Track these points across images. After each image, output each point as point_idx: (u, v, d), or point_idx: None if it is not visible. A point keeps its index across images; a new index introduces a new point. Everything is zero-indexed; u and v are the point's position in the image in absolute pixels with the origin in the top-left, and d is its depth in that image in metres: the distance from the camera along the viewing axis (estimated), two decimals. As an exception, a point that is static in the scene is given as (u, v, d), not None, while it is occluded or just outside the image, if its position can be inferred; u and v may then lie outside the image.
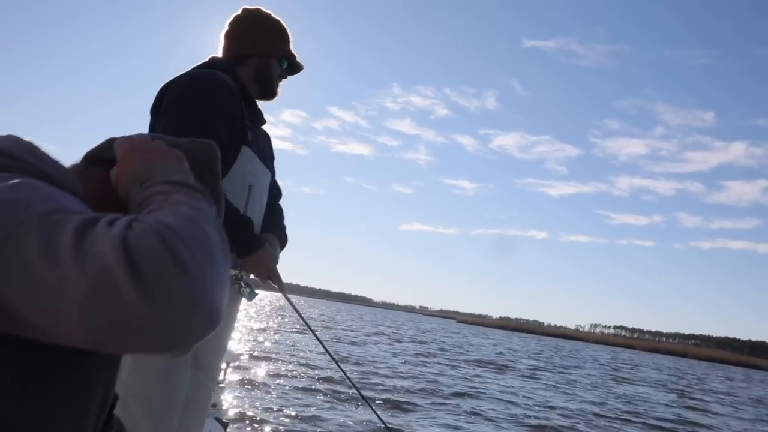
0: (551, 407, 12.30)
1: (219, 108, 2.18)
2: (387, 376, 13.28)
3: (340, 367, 2.78)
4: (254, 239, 2.25)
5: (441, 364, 18.56)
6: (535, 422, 10.29)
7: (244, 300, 2.43)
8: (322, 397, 9.95)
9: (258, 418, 7.35)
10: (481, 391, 13.31)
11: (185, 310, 0.71)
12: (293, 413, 8.20)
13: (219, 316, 0.76)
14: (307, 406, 8.99)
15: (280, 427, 7.22)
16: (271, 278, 2.35)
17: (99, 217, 0.78)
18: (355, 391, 10.76)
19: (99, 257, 0.70)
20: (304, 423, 7.65)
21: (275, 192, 2.58)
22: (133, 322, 0.69)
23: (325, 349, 2.81)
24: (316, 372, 12.72)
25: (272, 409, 8.22)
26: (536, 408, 11.91)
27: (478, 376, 16.40)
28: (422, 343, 29.55)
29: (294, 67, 2.49)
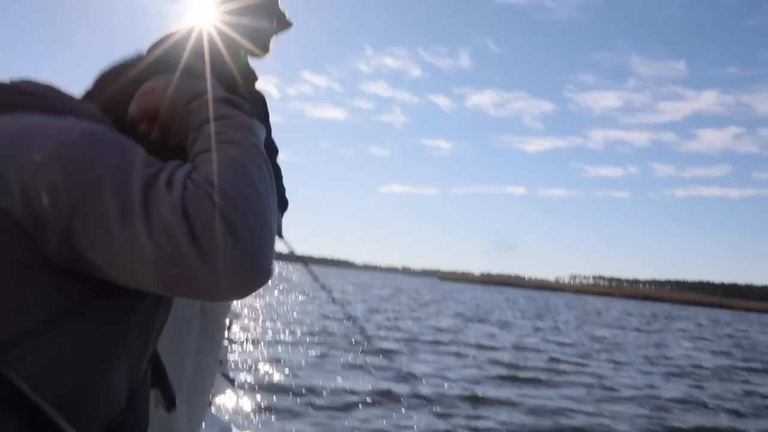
0: (522, 349, 13.16)
1: None
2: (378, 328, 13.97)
3: (348, 312, 2.96)
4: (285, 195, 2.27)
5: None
6: (509, 362, 11.19)
7: None
8: (321, 350, 10.51)
9: (262, 373, 7.62)
10: (460, 337, 14.07)
11: (241, 270, 0.78)
12: (295, 367, 8.51)
13: (269, 269, 0.82)
14: (308, 360, 9.38)
15: (284, 381, 7.43)
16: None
17: (159, 172, 0.83)
18: (355, 343, 11.49)
19: (163, 222, 0.77)
20: (306, 376, 7.91)
21: (271, 150, 2.54)
22: (198, 282, 0.78)
23: (332, 299, 2.95)
24: (316, 328, 13.41)
25: (276, 364, 8.48)
26: (512, 351, 12.80)
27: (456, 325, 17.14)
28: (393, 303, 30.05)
29: (283, 24, 2.47)
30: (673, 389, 9.67)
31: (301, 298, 24.43)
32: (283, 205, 2.56)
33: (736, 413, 8.25)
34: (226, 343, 4.47)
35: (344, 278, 77.09)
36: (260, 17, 2.33)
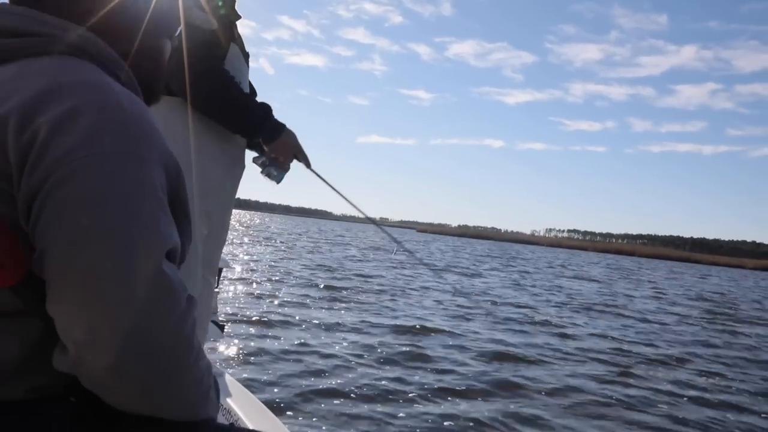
0: (494, 296, 14.07)
1: None
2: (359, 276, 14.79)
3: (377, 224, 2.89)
4: (278, 123, 2.23)
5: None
6: (458, 304, 11.78)
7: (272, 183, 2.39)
8: (315, 294, 10.85)
9: (253, 320, 7.78)
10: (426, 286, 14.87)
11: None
12: (286, 312, 8.72)
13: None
14: (299, 304, 9.72)
15: (273, 324, 7.67)
16: (297, 157, 2.34)
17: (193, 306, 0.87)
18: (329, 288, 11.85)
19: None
20: (296, 319, 8.17)
21: (252, 91, 2.46)
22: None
23: (360, 210, 2.77)
24: (304, 275, 13.91)
25: (264, 310, 8.65)
26: (481, 299, 13.51)
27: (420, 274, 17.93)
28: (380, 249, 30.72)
29: None
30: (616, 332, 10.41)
31: (282, 247, 24.86)
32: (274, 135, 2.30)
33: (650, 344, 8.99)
34: (217, 289, 4.25)
35: (322, 228, 77.31)
36: None
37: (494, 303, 12.87)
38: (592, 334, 9.84)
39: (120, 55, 0.95)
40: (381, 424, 4.37)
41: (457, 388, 5.64)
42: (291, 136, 2.28)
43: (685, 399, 6.17)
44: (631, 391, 6.27)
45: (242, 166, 2.35)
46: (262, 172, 2.37)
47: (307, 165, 2.39)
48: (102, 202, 0.76)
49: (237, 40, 2.24)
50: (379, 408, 4.73)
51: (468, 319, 9.97)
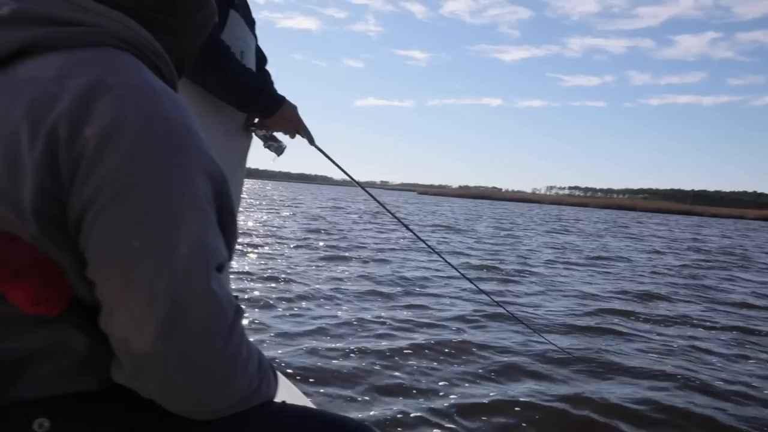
0: (494, 254, 14.05)
1: None
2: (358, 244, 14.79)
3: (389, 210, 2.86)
4: (276, 96, 2.15)
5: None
6: (478, 263, 11.62)
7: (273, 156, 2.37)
8: (316, 254, 10.77)
9: (266, 288, 7.56)
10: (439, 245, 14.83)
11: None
12: (294, 275, 8.65)
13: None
14: (305, 264, 9.69)
15: (287, 290, 7.54)
16: (298, 131, 2.27)
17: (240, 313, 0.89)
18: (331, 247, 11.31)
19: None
20: (303, 282, 8.06)
21: (261, 57, 2.40)
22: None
23: (377, 201, 2.93)
24: (312, 238, 14.07)
25: (276, 277, 8.50)
26: (485, 256, 13.31)
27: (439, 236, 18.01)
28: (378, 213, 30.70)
29: None
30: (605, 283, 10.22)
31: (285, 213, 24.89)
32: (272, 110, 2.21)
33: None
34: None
35: (322, 194, 77.03)
36: None
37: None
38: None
39: (160, 40, 0.94)
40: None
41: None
42: (291, 110, 2.21)
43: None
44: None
45: (248, 136, 2.30)
46: (264, 145, 2.33)
47: (310, 141, 2.33)
48: (149, 221, 0.77)
49: (238, 6, 2.15)
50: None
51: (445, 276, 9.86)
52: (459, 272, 2.72)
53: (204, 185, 0.83)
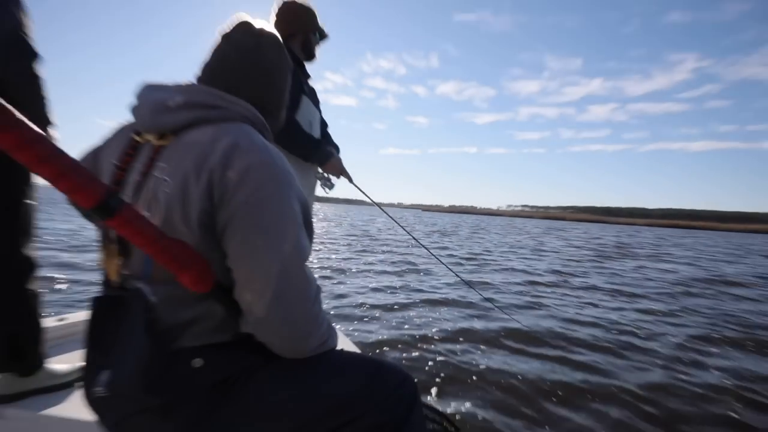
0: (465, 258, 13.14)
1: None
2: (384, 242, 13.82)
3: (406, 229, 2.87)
4: (327, 152, 2.14)
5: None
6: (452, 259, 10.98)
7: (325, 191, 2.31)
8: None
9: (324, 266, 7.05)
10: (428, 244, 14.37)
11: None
12: (342, 260, 8.27)
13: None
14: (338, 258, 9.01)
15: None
16: (342, 174, 2.25)
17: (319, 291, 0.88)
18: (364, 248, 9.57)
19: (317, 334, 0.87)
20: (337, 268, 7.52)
21: (324, 124, 2.38)
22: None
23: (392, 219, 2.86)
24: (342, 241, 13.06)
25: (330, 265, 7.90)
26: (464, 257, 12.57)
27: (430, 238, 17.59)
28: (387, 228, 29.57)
29: (323, 36, 2.24)
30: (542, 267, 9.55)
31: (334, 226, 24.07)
32: (337, 150, 2.33)
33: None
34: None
35: (363, 212, 75.57)
36: (310, 32, 2.14)
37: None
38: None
39: (265, 117, 1.02)
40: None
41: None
42: (337, 160, 2.20)
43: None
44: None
45: (314, 178, 2.25)
46: (321, 184, 2.29)
47: (350, 180, 2.28)
48: (267, 229, 0.80)
49: (307, 93, 2.14)
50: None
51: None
52: (444, 264, 2.68)
53: (297, 206, 0.85)
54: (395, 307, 4.88)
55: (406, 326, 4.12)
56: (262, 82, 1.00)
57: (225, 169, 0.81)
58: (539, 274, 8.55)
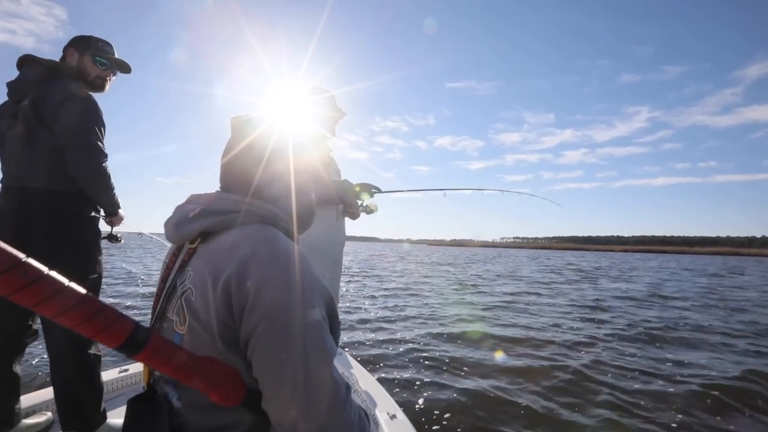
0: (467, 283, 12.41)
1: None
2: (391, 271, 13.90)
3: None
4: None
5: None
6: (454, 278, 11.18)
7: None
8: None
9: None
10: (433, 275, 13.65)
11: None
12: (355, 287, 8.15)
13: None
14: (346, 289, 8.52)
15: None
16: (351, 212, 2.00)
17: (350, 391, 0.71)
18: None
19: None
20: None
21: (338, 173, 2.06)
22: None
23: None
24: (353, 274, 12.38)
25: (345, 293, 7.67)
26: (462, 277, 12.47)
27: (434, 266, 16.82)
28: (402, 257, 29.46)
29: (340, 114, 1.99)
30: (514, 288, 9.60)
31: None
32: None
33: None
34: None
35: (371, 248, 69.52)
36: (332, 109, 1.94)
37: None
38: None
39: (284, 211, 0.82)
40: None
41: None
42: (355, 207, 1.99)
43: None
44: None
45: (342, 217, 2.01)
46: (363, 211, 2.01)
47: (355, 216, 2.05)
48: (292, 342, 0.65)
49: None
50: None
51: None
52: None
53: (321, 307, 0.71)
54: (385, 317, 5.56)
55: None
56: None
57: (242, 281, 0.67)
58: (531, 292, 8.76)
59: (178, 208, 0.81)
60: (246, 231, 0.74)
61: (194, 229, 0.76)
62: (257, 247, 0.70)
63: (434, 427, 2.46)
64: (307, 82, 1.98)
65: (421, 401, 2.79)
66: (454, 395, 2.89)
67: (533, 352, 4.12)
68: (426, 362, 3.64)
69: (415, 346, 4.15)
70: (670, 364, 3.84)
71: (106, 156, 1.50)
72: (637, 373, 3.54)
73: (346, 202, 1.91)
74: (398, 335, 4.59)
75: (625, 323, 5.75)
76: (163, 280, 0.80)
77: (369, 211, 2.03)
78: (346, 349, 3.78)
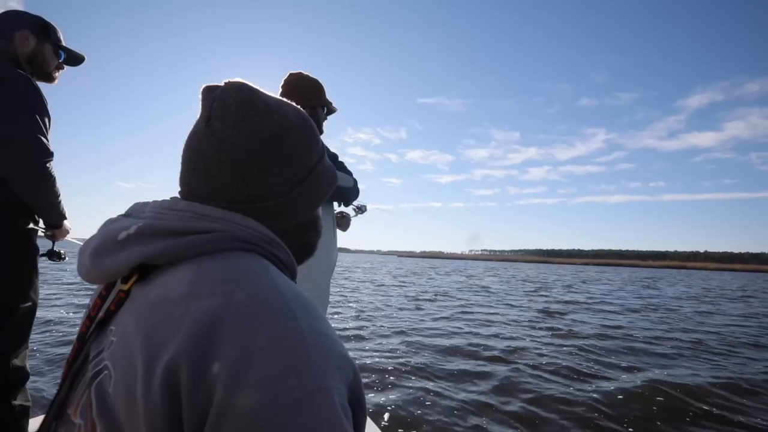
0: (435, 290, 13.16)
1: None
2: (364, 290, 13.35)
3: None
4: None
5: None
6: (431, 292, 11.31)
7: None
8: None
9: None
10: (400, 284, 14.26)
11: None
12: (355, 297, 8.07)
13: None
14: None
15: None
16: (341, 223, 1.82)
17: None
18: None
19: None
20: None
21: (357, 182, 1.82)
22: None
23: None
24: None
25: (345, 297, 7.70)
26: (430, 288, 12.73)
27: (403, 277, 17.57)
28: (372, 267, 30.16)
29: (330, 111, 1.69)
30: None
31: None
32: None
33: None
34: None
35: (343, 259, 69.32)
36: (318, 106, 1.63)
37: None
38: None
39: (278, 231, 0.49)
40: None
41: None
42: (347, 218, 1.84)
43: None
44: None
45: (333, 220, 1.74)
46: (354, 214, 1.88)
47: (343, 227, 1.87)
48: None
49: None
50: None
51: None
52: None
53: (342, 396, 0.38)
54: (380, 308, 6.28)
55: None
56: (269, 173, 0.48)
57: (203, 363, 0.35)
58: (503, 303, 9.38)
59: (106, 225, 0.49)
60: (209, 268, 0.41)
61: (124, 260, 0.43)
62: (235, 294, 0.39)
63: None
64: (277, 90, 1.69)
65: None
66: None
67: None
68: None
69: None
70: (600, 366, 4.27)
71: (51, 154, 1.18)
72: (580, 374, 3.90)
73: (346, 198, 1.67)
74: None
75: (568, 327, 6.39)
76: (78, 343, 0.46)
77: (363, 210, 1.86)
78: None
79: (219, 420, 0.35)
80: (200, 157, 0.47)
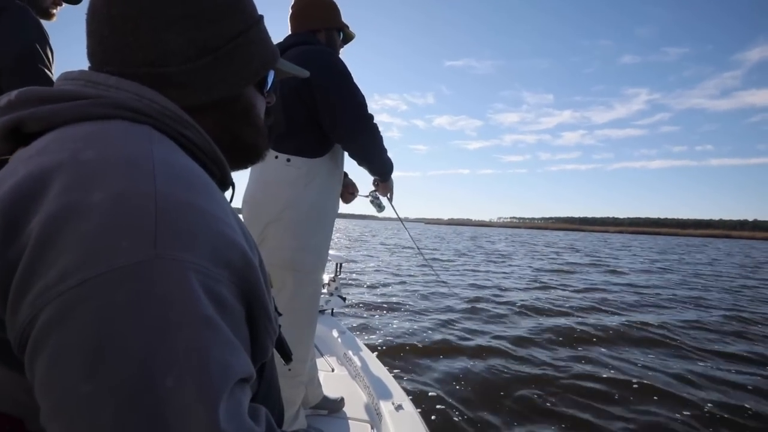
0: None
1: None
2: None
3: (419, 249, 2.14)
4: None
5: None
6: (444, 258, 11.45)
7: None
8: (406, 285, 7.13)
9: (366, 300, 5.08)
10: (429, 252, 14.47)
11: None
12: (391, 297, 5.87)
13: None
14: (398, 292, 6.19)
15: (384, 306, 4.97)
16: (390, 197, 1.60)
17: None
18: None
19: None
20: (401, 302, 5.22)
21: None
22: None
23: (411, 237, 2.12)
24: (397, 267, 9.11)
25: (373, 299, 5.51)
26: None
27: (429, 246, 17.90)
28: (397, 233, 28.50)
29: (347, 36, 1.45)
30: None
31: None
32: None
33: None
34: (340, 275, 2.81)
35: (368, 226, 69.95)
36: (334, 29, 1.37)
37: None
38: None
39: (191, 109, 0.40)
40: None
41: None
42: (392, 183, 1.61)
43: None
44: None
45: (340, 185, 1.46)
46: (371, 202, 1.69)
47: (390, 200, 1.65)
48: (108, 353, 0.26)
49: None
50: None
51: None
52: (432, 270, 2.46)
53: (210, 278, 0.30)
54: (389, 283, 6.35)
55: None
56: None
57: (24, 215, 0.29)
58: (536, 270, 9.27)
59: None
60: (80, 129, 0.35)
61: None
62: (83, 152, 0.32)
63: (441, 418, 2.17)
64: None
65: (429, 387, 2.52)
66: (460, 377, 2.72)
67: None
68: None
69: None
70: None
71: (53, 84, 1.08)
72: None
73: (369, 161, 1.41)
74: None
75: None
76: None
77: (380, 206, 1.71)
78: (356, 333, 3.31)
79: (28, 281, 0.28)
80: (93, 15, 0.41)
